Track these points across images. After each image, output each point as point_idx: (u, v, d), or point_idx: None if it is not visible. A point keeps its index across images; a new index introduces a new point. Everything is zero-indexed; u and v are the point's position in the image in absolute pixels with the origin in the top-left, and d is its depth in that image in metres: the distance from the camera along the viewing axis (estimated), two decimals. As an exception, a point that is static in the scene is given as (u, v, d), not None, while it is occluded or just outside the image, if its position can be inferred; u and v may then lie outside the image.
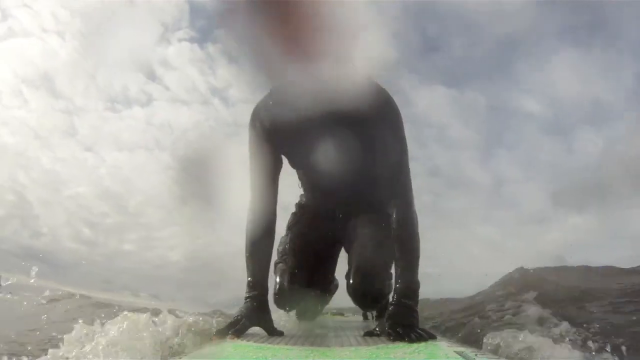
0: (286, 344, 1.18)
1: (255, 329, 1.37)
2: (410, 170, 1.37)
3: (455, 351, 0.99)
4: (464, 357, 0.94)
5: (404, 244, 1.31)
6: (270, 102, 1.40)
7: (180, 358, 1.07)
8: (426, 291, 1.35)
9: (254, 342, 1.23)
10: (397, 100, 1.36)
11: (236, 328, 1.29)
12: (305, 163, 1.50)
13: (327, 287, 1.85)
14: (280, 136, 1.40)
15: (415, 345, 1.09)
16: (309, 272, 1.63)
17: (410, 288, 1.29)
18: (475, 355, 0.95)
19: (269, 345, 1.18)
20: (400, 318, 1.22)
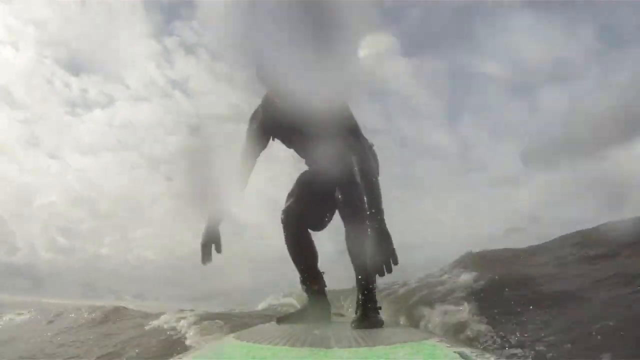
0: (285, 344, 1.19)
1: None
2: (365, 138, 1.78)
3: (455, 351, 0.98)
4: (463, 357, 0.93)
5: (368, 184, 1.54)
6: (266, 103, 1.83)
7: (180, 358, 1.08)
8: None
9: (254, 342, 1.24)
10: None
11: (208, 248, 1.72)
12: (292, 144, 1.93)
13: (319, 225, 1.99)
14: (271, 126, 1.83)
15: (415, 346, 1.09)
16: (308, 204, 1.91)
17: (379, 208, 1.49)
18: (475, 355, 0.95)
19: (269, 346, 1.18)
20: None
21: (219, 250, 1.76)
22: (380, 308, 1.69)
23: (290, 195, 1.97)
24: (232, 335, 1.54)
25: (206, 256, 1.73)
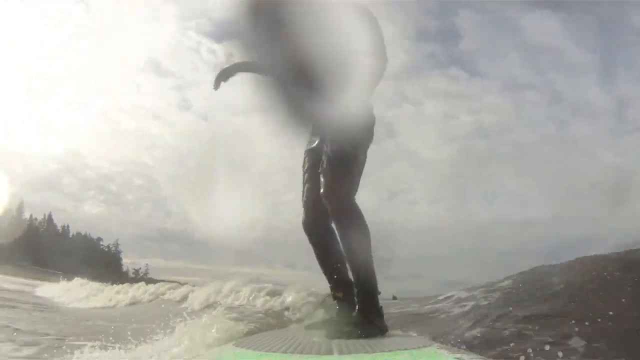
0: (285, 351, 1.18)
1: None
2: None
3: (454, 357, 0.98)
4: (463, 363, 0.93)
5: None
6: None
7: (180, 365, 1.08)
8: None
9: (253, 349, 1.23)
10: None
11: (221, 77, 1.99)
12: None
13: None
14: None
15: (415, 354, 1.09)
16: (316, 199, 1.82)
17: None
18: (475, 362, 0.95)
19: (270, 353, 1.18)
20: None
21: (225, 80, 2.01)
22: (379, 314, 1.61)
23: (303, 187, 1.94)
24: (232, 342, 1.53)
25: (217, 84, 2.00)
